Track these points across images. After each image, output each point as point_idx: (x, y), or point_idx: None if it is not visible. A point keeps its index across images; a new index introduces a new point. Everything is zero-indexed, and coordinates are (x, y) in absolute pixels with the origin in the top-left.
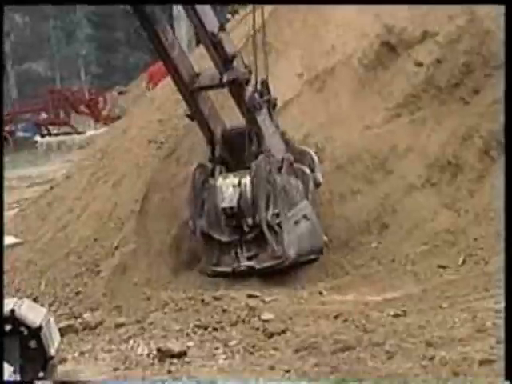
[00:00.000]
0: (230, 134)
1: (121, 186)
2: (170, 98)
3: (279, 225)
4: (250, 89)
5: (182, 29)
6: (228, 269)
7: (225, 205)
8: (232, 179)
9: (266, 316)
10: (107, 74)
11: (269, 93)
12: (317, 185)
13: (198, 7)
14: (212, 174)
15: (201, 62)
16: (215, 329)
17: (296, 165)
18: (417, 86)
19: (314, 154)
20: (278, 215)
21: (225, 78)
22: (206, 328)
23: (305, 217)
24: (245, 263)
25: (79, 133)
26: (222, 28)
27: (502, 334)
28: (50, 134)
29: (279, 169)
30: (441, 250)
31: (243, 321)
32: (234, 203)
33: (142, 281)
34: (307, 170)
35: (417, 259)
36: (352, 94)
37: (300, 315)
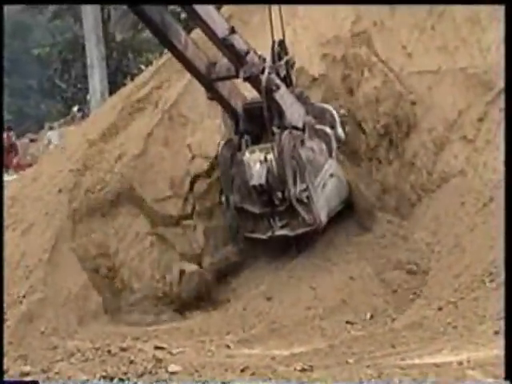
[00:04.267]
0: (252, 107)
1: (30, 235)
2: (81, 147)
3: (308, 197)
4: (265, 75)
5: (96, 78)
6: (263, 236)
7: (254, 182)
8: (258, 154)
9: (172, 368)
10: (19, 121)
11: (287, 53)
12: (339, 140)
13: (204, 15)
14: (239, 148)
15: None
16: (121, 379)
17: (318, 126)
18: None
19: (333, 111)
20: (305, 189)
21: (241, 75)
22: (112, 379)
23: (331, 175)
24: (279, 232)
25: None
26: (232, 30)
27: None
28: None
29: (302, 141)
30: (348, 306)
31: (150, 372)
32: (263, 180)
33: (48, 330)
34: (328, 130)
35: (324, 315)
36: None
37: (207, 368)
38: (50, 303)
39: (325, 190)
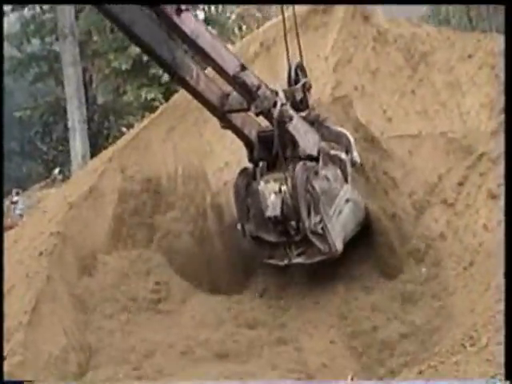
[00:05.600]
0: (266, 134)
1: (11, 297)
2: (62, 209)
3: (323, 228)
4: (277, 108)
5: (77, 140)
6: (281, 262)
7: (269, 213)
8: (273, 185)
9: None
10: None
11: (305, 75)
12: (353, 164)
13: (214, 54)
14: (254, 177)
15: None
16: None
17: (332, 152)
18: None
19: (349, 135)
20: (320, 220)
21: (252, 110)
22: None
23: (347, 200)
24: (295, 260)
25: None
26: (242, 67)
27: None
28: None
29: (316, 172)
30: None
31: None
32: (278, 212)
33: None
34: (343, 156)
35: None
36: None
37: None
38: (30, 366)
39: (340, 216)
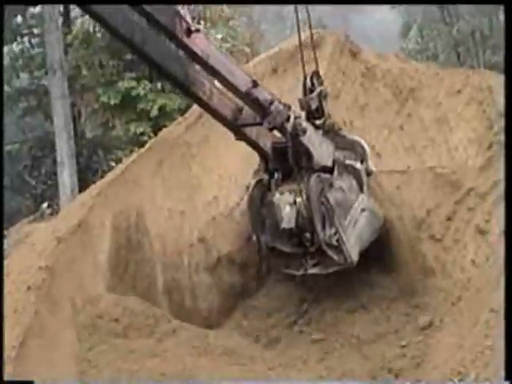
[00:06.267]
0: (281, 146)
1: None
2: (50, 244)
3: (338, 240)
4: (291, 122)
5: (66, 175)
6: (297, 272)
7: (284, 226)
8: (288, 196)
9: None
10: None
11: (321, 83)
12: (369, 174)
13: (226, 73)
14: (269, 188)
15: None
16: None
17: (347, 162)
18: None
19: (365, 144)
20: (335, 232)
21: (265, 125)
22: None
23: (362, 210)
24: (311, 270)
25: None
26: (254, 84)
27: None
28: None
29: (330, 184)
30: None
31: None
32: (292, 224)
33: None
34: (358, 166)
35: None
36: (231, 245)
37: None
38: None
39: (356, 226)
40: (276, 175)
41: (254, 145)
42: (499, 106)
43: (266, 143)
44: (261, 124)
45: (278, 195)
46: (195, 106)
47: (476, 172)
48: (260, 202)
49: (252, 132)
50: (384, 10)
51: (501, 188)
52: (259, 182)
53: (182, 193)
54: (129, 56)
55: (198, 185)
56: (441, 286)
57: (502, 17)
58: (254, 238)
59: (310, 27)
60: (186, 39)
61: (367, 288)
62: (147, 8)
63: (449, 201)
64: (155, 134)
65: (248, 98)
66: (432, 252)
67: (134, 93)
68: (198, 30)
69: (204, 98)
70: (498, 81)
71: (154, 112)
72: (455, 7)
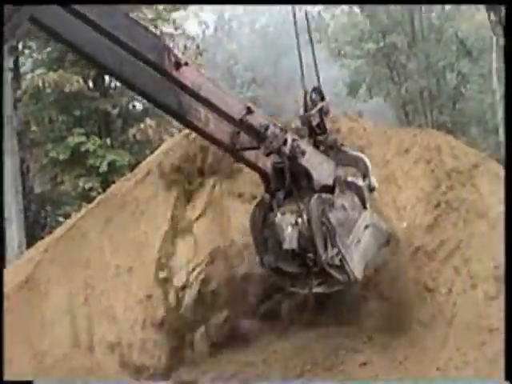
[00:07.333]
0: (281, 166)
1: None
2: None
3: (341, 260)
4: (288, 145)
5: (14, 230)
6: (302, 291)
7: (286, 246)
8: (289, 217)
9: None
10: None
11: (322, 98)
12: (371, 190)
13: (218, 103)
14: (271, 208)
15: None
16: None
17: (349, 179)
18: None
19: (367, 160)
20: (337, 253)
21: (262, 151)
22: None
23: (366, 227)
24: (316, 289)
25: None
26: (248, 110)
27: None
28: None
29: (332, 204)
30: None
31: None
32: (295, 245)
33: None
34: (360, 183)
35: None
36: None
37: None
38: None
39: (359, 244)
40: (277, 195)
41: (253, 166)
42: (447, 165)
43: (266, 163)
44: (258, 148)
45: (279, 216)
46: (144, 163)
47: (423, 231)
48: (262, 223)
49: (251, 154)
50: (335, 67)
51: (448, 247)
52: (261, 202)
53: (130, 249)
54: (78, 112)
55: (145, 242)
56: (389, 344)
57: (449, 76)
58: (258, 259)
59: (310, 34)
60: (175, 73)
61: None
62: (134, 45)
63: (397, 259)
64: (104, 190)
65: (243, 125)
66: (379, 311)
67: (83, 148)
68: (186, 64)
69: (200, 126)
70: (445, 140)
71: (104, 168)
72: (403, 67)
